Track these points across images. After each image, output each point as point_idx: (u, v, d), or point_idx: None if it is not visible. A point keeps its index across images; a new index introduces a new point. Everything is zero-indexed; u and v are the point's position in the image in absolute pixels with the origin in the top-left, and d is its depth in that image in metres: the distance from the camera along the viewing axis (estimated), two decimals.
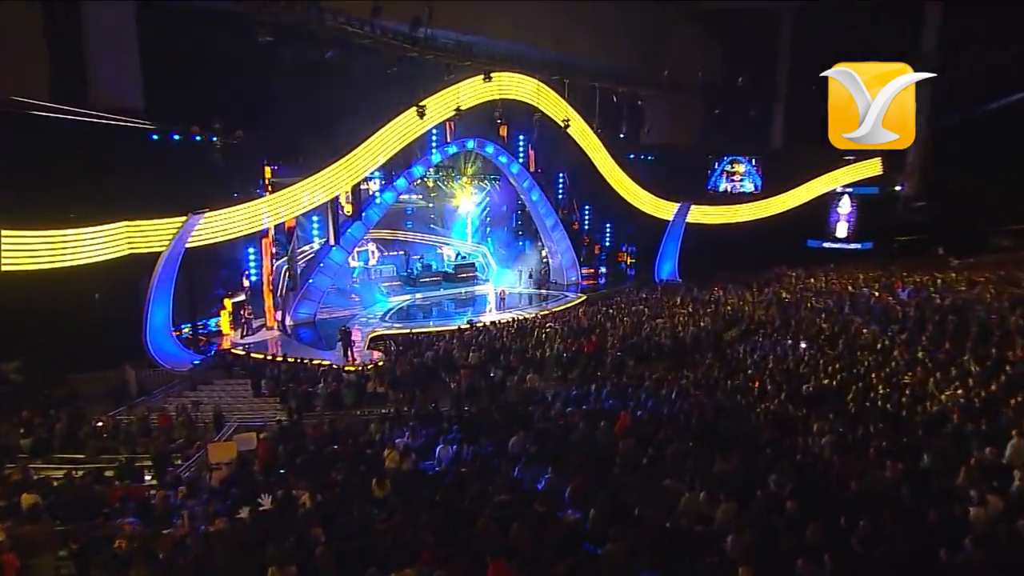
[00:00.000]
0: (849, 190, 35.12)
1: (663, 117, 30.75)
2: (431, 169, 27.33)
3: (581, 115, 27.44)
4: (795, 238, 34.37)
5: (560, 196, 31.18)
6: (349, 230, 24.32)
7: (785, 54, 33.55)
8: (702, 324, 18.94)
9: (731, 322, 19.83)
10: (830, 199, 35.66)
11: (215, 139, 19.75)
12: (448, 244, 31.74)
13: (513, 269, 30.67)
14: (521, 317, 23.36)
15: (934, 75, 8.51)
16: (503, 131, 25.99)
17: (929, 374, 11.74)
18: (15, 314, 15.12)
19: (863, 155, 33.56)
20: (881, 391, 11.01)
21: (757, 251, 31.01)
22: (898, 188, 34.96)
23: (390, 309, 26.39)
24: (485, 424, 11.14)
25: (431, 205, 30.89)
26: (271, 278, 23.28)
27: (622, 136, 28.73)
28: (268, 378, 16.93)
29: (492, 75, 23.81)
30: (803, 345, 15.70)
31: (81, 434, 12.70)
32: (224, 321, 21.82)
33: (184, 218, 18.30)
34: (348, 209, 24.34)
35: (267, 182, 22.39)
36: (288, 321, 23.24)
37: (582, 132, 27.76)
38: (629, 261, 33.98)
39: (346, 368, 18.24)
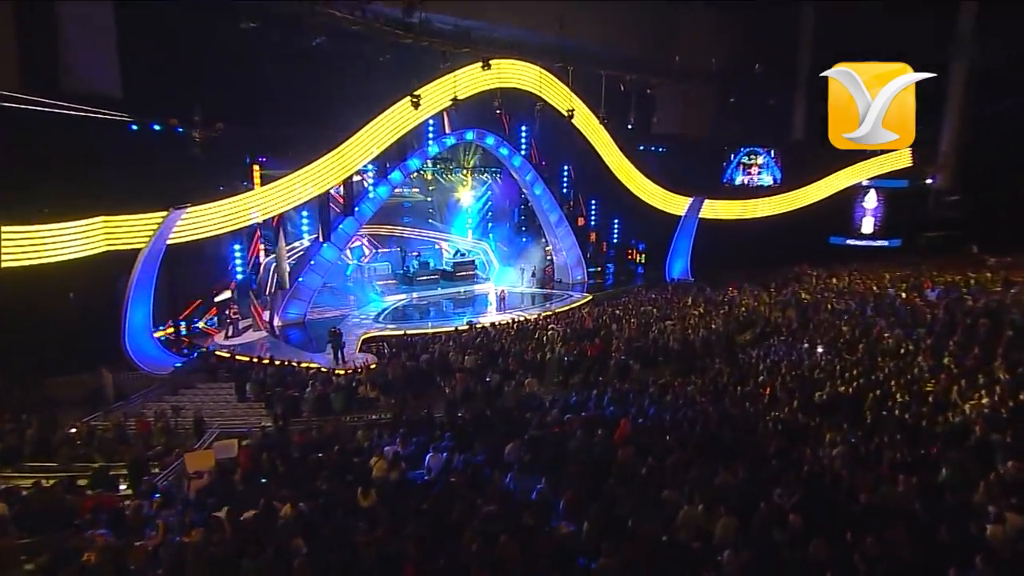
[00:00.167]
0: (876, 183, 34.98)
1: (674, 106, 30.72)
2: (429, 162, 27.43)
3: (587, 105, 27.45)
4: (817, 235, 34.37)
5: (565, 190, 31.24)
6: (341, 226, 24.42)
7: (808, 38, 33.42)
8: (713, 326, 18.93)
9: (745, 324, 19.85)
10: (855, 193, 35.60)
11: (195, 131, 19.75)
12: (447, 240, 31.85)
13: (515, 267, 30.72)
14: (522, 318, 23.39)
15: (934, 75, 8.99)
16: (504, 121, 25.98)
17: (954, 382, 11.69)
18: None
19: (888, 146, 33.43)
20: (900, 399, 10.98)
21: (776, 249, 31.00)
22: (929, 181, 34.82)
23: (384, 309, 26.45)
24: (479, 431, 11.17)
25: (429, 199, 31.03)
26: (260, 276, 23.42)
27: (630, 127, 28.69)
28: (254, 382, 17.02)
29: (491, 63, 23.79)
30: (820, 350, 15.70)
31: (54, 440, 12.79)
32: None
33: (165, 213, 18.36)
34: (340, 203, 24.47)
35: (255, 175, 22.50)
36: (276, 322, 23.34)
37: (587, 123, 27.77)
38: (638, 259, 33.98)
39: (336, 371, 18.33)
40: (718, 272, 30.16)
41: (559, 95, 26.44)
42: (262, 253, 24.26)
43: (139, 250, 18.23)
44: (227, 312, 22.35)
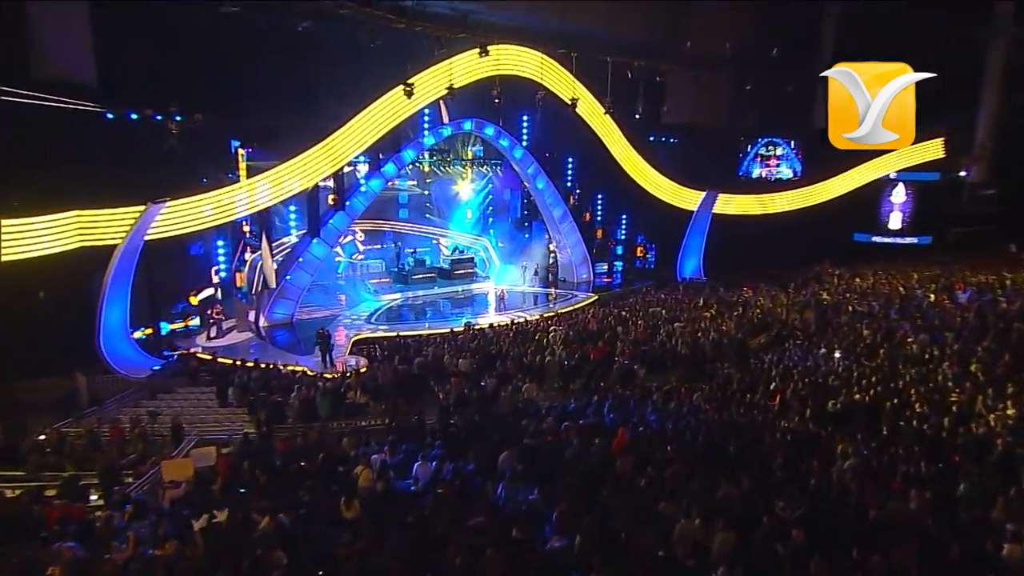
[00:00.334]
0: (905, 176, 34.83)
1: (686, 94, 30.60)
2: (425, 153, 27.49)
3: (591, 93, 27.43)
4: (840, 231, 34.24)
5: (569, 184, 31.27)
6: (331, 221, 24.50)
7: (832, 20, 33.21)
8: (724, 329, 18.97)
9: (759, 327, 19.90)
10: (882, 186, 35.47)
11: (172, 120, 19.84)
12: (446, 236, 31.93)
13: (517, 265, 30.79)
14: (522, 319, 23.47)
15: (934, 75, 9.25)
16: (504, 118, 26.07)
17: (980, 391, 11.71)
18: None
19: (919, 135, 33.24)
20: (919, 409, 11.00)
21: (795, 246, 30.97)
22: (963, 174, 34.59)
23: (377, 309, 26.56)
24: (471, 439, 11.25)
25: (426, 192, 31.11)
26: (246, 274, 23.54)
27: (637, 117, 28.66)
28: (236, 386, 17.12)
29: (489, 49, 23.77)
30: (837, 355, 15.71)
31: (22, 448, 12.87)
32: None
33: (143, 207, 18.44)
34: (331, 197, 24.56)
35: (240, 167, 22.62)
36: (262, 322, 23.46)
37: (592, 112, 27.76)
38: (647, 257, 33.99)
39: (324, 375, 18.43)
40: (732, 271, 30.19)
41: (562, 83, 26.43)
42: (248, 250, 24.38)
43: (115, 246, 18.30)
44: (209, 312, 22.47)
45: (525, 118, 28.65)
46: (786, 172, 35.49)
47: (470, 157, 29.84)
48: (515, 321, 22.94)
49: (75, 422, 15.12)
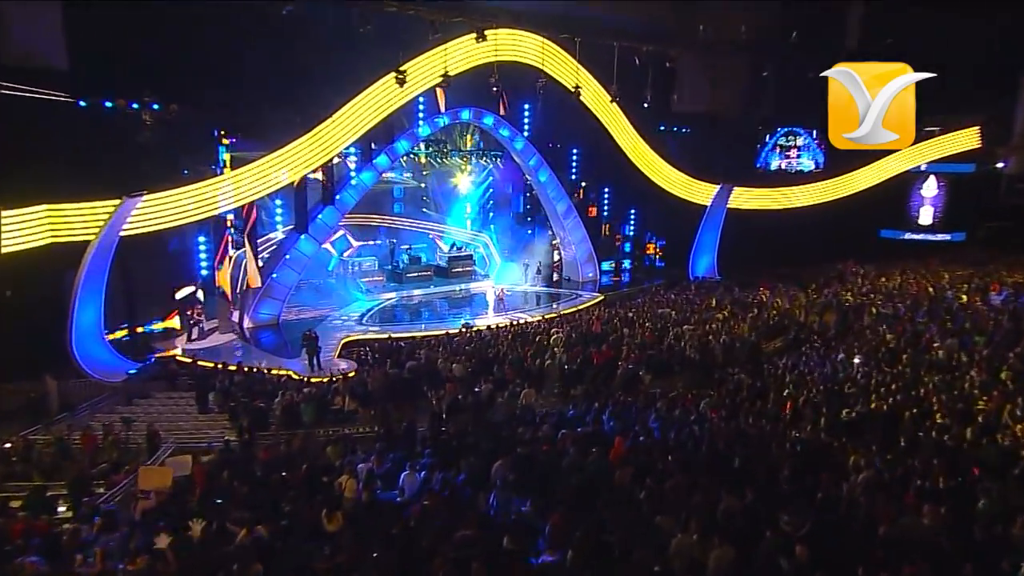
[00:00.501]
0: (937, 168, 34.66)
1: (699, 81, 30.56)
2: (422, 144, 27.57)
3: (597, 80, 27.42)
4: (866, 227, 34.20)
5: (573, 176, 31.31)
6: (320, 216, 24.58)
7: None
8: (737, 331, 18.99)
9: (775, 330, 19.93)
10: (912, 179, 35.36)
11: (149, 110, 19.90)
12: (443, 232, 32.00)
13: (519, 263, 30.85)
14: (523, 320, 23.51)
15: (934, 75, 9.75)
16: (504, 100, 26.03)
17: (1008, 400, 11.68)
18: None
19: (952, 124, 33.12)
20: (940, 419, 11.00)
21: (818, 244, 30.99)
22: (1000, 165, 34.36)
23: (370, 309, 26.67)
24: (464, 448, 11.30)
25: (423, 185, 31.20)
26: (230, 272, 23.62)
27: (646, 105, 28.65)
28: (217, 391, 17.22)
29: (487, 33, 23.76)
30: (857, 360, 15.70)
31: None
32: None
33: (118, 201, 18.50)
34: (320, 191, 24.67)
35: (224, 158, 22.69)
36: (247, 323, 23.56)
37: (598, 100, 27.77)
38: (658, 254, 34.00)
39: (311, 379, 18.50)
40: (749, 270, 30.22)
41: (565, 69, 26.45)
42: (231, 246, 24.46)
43: (88, 242, 18.33)
44: (190, 312, 22.57)
45: (526, 107, 28.67)
46: (807, 164, 35.45)
47: (469, 148, 29.90)
48: (515, 322, 22.99)
49: (44, 429, 15.16)
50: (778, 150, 35.50)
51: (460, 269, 30.38)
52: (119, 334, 21.05)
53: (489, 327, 22.48)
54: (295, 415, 15.29)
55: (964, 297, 22.20)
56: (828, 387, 13.47)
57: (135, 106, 20.06)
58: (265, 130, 22.68)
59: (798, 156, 35.47)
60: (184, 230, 21.96)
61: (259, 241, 24.36)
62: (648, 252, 34.06)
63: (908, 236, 36.00)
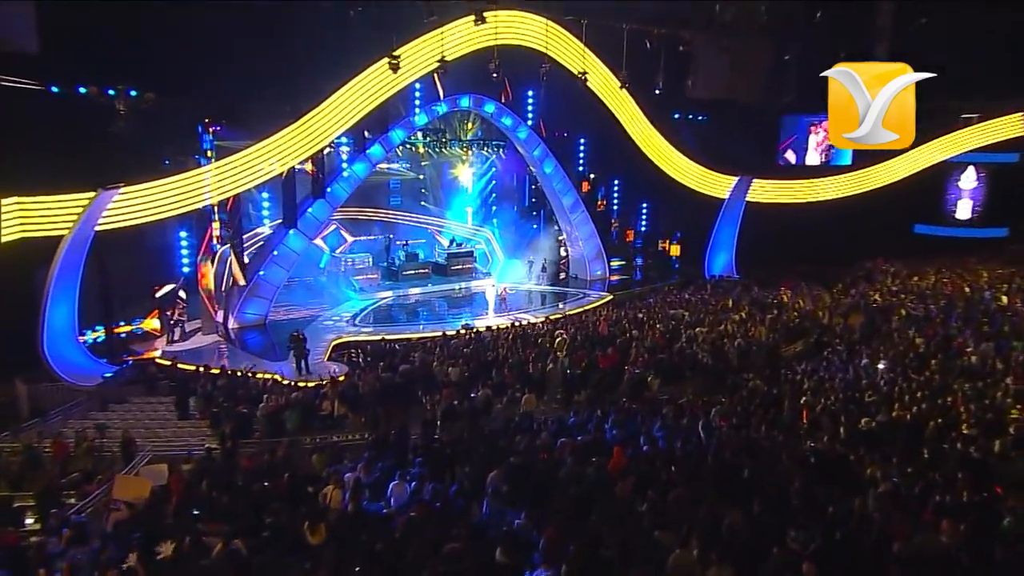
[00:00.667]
0: (976, 157, 34.33)
1: (715, 66, 30.47)
2: (419, 133, 27.63)
3: (605, 65, 27.40)
4: (899, 222, 33.99)
5: (581, 168, 31.35)
6: (310, 210, 24.70)
7: None
8: (754, 334, 19.01)
9: (796, 333, 19.90)
10: (948, 170, 35.06)
11: (127, 97, 19.99)
12: (443, 227, 32.11)
13: (523, 260, 30.89)
14: (525, 321, 23.55)
15: (934, 75, 10.15)
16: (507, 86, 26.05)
17: None
18: None
19: (993, 110, 32.89)
20: (967, 430, 10.95)
21: (845, 240, 30.94)
22: None
23: (363, 309, 26.78)
24: (457, 456, 11.35)
25: (421, 177, 31.28)
26: (216, 268, 23.75)
27: (657, 92, 28.63)
28: (199, 396, 17.31)
29: (486, 15, 23.67)
30: (881, 366, 15.67)
31: None
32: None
33: (93, 193, 18.60)
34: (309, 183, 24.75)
35: (209, 148, 22.78)
36: (232, 324, 23.68)
37: (606, 87, 27.74)
38: (671, 251, 33.99)
39: (298, 383, 18.59)
40: (770, 268, 30.21)
41: (570, 53, 26.43)
42: (216, 241, 24.58)
43: (61, 237, 18.44)
44: (170, 312, 22.69)
45: (530, 94, 28.72)
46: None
47: (470, 138, 29.95)
48: (516, 324, 23.03)
49: (12, 436, 15.20)
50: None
51: (460, 267, 30.43)
52: (94, 335, 21.16)
53: (489, 328, 22.54)
54: (280, 421, 15.37)
55: (1004, 298, 22.13)
56: (848, 395, 13.44)
57: (111, 93, 20.13)
58: (251, 118, 22.76)
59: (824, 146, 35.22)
60: (165, 224, 22.07)
61: (245, 236, 24.53)
62: (661, 249, 34.08)
63: (944, 232, 35.71)
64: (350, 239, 29.78)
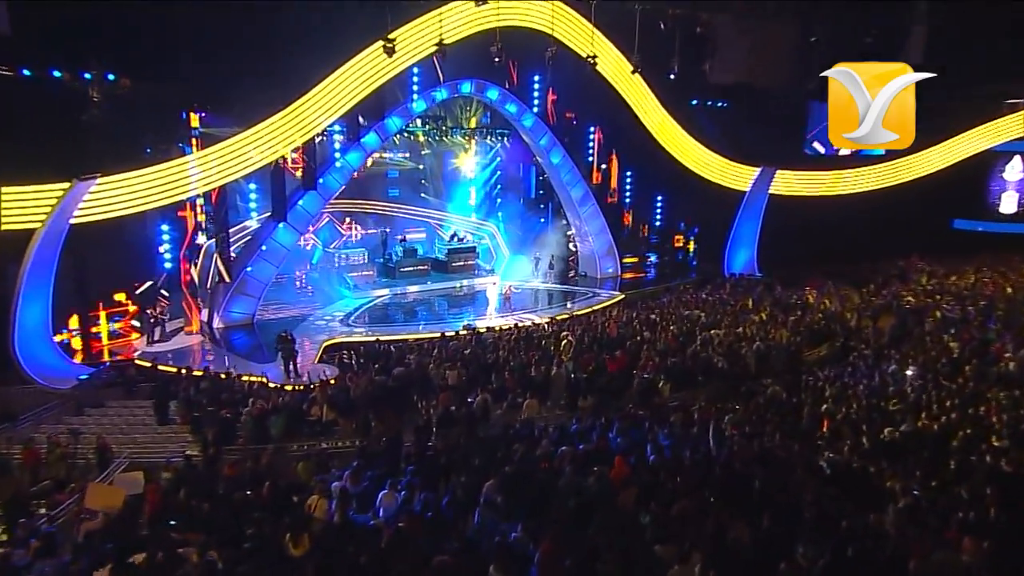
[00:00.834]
0: (1021, 147, 34.22)
1: (736, 49, 30.44)
2: (418, 121, 27.70)
3: (617, 48, 27.39)
4: (936, 217, 33.86)
5: (591, 158, 31.35)
6: (300, 202, 24.80)
7: None
8: (775, 337, 19.00)
9: (820, 336, 19.85)
10: (991, 160, 34.89)
11: (104, 81, 20.07)
12: (444, 221, 32.19)
13: (529, 256, 30.94)
14: (529, 322, 23.62)
15: (933, 75, 10.78)
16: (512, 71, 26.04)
17: None
18: None
19: None
20: (998, 442, 10.93)
21: (877, 236, 30.90)
22: None
23: (358, 308, 26.89)
24: (453, 465, 11.42)
25: (421, 167, 31.36)
26: (200, 264, 23.88)
27: (672, 77, 28.57)
28: (180, 399, 17.43)
29: None
30: (910, 372, 15.64)
31: None
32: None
33: (68, 184, 18.66)
34: (299, 174, 24.84)
35: (194, 136, 22.88)
36: (217, 323, 23.83)
37: (617, 71, 27.75)
38: (688, 247, 33.99)
39: (285, 387, 18.69)
40: (795, 266, 30.10)
41: (578, 36, 26.45)
42: (201, 235, 24.73)
43: (34, 231, 18.53)
44: (151, 311, 22.84)
45: (536, 79, 28.74)
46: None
47: (473, 126, 30.03)
48: (520, 324, 23.08)
49: None
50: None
51: (460, 263, 30.54)
52: (68, 335, 21.30)
53: (490, 329, 22.61)
54: (265, 427, 15.48)
55: None
56: (872, 402, 13.44)
57: (87, 77, 20.25)
58: (238, 104, 22.86)
59: None
60: (145, 217, 22.21)
61: (231, 230, 24.63)
62: (677, 245, 34.11)
63: (986, 227, 35.54)
64: (346, 233, 29.83)
